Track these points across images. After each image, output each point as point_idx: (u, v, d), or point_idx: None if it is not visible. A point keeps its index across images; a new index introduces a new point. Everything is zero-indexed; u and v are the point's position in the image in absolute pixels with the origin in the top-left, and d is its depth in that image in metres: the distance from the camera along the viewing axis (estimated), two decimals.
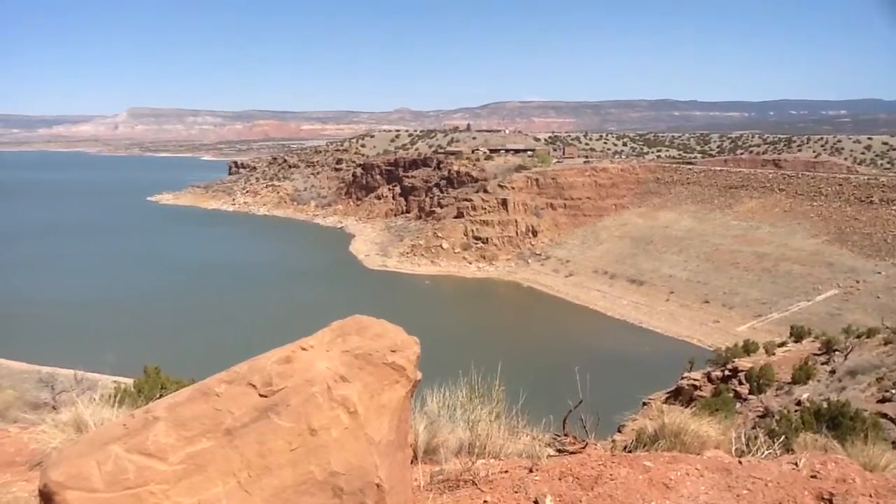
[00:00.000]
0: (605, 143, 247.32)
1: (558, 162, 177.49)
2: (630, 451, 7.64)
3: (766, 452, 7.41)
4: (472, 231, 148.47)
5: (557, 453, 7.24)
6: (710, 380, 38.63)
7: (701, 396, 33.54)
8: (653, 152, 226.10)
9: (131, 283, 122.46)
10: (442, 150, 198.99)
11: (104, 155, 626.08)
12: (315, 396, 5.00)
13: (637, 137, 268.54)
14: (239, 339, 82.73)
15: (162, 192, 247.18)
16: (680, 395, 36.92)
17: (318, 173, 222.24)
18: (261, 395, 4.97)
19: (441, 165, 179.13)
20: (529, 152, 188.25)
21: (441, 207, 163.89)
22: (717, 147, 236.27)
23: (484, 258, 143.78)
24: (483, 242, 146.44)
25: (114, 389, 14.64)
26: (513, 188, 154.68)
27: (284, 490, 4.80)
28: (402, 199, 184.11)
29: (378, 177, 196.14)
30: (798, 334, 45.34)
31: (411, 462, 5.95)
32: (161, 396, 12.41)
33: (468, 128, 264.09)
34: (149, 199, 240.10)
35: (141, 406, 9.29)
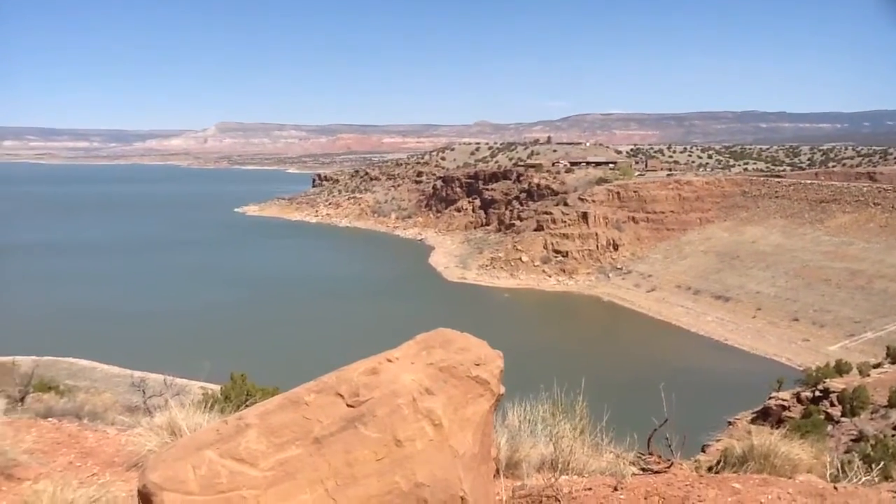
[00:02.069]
0: (690, 155, 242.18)
1: (640, 175, 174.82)
2: (716, 472, 7.44)
3: (864, 479, 7.10)
4: (552, 244, 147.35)
5: (642, 472, 7.11)
6: (799, 400, 37.28)
7: (790, 417, 32.40)
8: (739, 165, 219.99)
9: (217, 292, 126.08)
10: (522, 163, 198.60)
11: (194, 168, 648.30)
12: (401, 408, 5.05)
13: (723, 150, 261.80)
14: (321, 349, 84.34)
15: (249, 203, 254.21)
16: (768, 416, 35.76)
17: (398, 186, 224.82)
18: (348, 406, 5.06)
19: (521, 178, 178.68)
20: (611, 165, 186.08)
21: (521, 220, 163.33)
22: (808, 160, 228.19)
23: (564, 272, 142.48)
24: (563, 256, 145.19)
25: (203, 395, 15.11)
26: (593, 201, 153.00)
27: (370, 500, 4.87)
28: (481, 211, 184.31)
29: (458, 189, 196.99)
30: (895, 355, 43.35)
31: (493, 476, 5.94)
32: (247, 403, 12.77)
33: (548, 140, 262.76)
34: (236, 210, 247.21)
35: (228, 411, 9.59)
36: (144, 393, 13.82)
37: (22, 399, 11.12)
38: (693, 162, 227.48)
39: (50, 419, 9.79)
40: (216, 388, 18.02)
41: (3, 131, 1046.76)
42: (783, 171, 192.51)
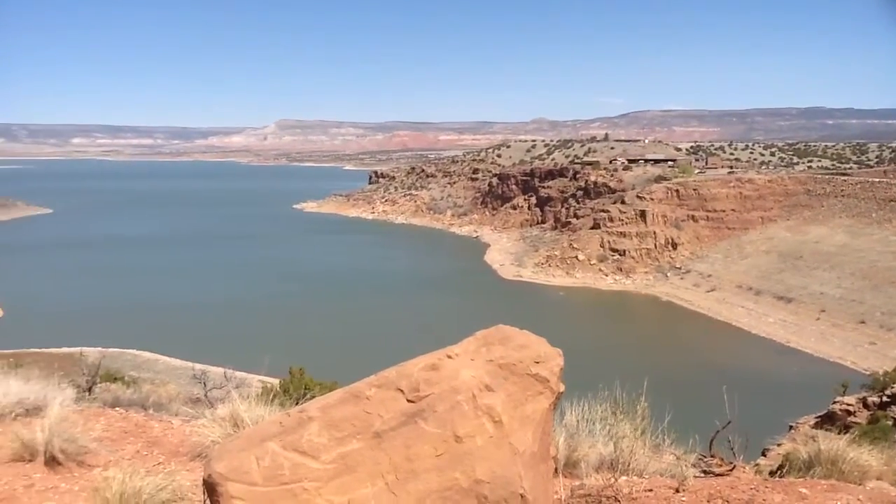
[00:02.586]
0: (752, 153, 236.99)
1: (700, 172, 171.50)
2: (780, 477, 7.28)
3: None
4: (609, 243, 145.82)
5: (704, 475, 7.00)
6: (865, 405, 36.05)
7: (855, 423, 31.40)
8: (803, 163, 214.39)
9: (276, 286, 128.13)
10: (578, 161, 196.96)
11: (254, 164, 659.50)
12: (460, 404, 5.06)
13: (786, 147, 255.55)
14: (378, 343, 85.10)
15: (307, 200, 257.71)
16: (832, 421, 34.69)
17: (454, 183, 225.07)
18: (408, 401, 5.09)
19: (577, 176, 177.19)
20: (670, 163, 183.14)
21: (577, 218, 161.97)
22: (876, 157, 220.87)
23: (621, 270, 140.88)
24: (620, 254, 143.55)
25: (262, 388, 15.37)
26: (652, 199, 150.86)
27: (430, 495, 4.89)
28: (537, 209, 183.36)
29: (514, 187, 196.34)
30: None
31: (553, 475, 5.90)
32: (305, 396, 12.95)
33: (606, 138, 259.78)
34: (295, 206, 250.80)
35: (287, 404, 9.75)
36: (205, 385, 14.12)
37: (89, 389, 11.46)
38: (755, 159, 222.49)
39: (117, 409, 10.07)
40: (274, 381, 18.32)
41: (72, 129, 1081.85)
42: (849, 168, 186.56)
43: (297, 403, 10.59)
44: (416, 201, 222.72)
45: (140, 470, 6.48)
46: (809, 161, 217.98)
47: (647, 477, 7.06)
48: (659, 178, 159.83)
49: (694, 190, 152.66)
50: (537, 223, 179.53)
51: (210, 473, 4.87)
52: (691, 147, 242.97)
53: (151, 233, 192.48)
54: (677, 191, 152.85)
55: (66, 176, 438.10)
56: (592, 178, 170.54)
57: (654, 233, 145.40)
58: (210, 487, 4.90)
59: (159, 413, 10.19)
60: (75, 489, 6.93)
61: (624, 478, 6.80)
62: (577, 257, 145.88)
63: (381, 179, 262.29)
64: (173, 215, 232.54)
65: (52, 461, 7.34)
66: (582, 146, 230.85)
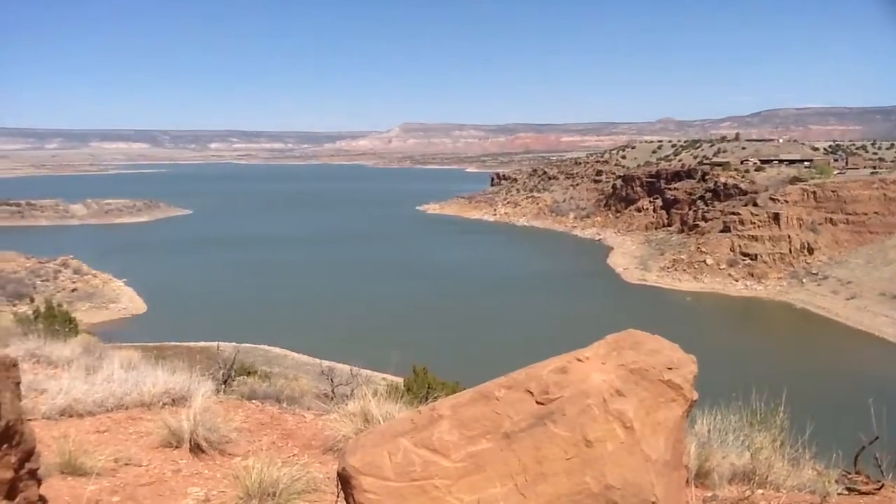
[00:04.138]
0: None
1: (840, 173, 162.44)
2: None
3: None
4: (740, 246, 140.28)
5: (848, 492, 6.64)
6: None
7: None
8: None
9: (397, 286, 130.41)
10: (707, 161, 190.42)
11: (379, 167, 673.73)
12: (591, 408, 5.01)
13: None
14: (501, 344, 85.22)
15: (430, 201, 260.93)
16: None
17: (577, 185, 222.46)
18: (538, 403, 5.08)
19: (706, 177, 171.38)
20: (806, 163, 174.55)
21: (705, 221, 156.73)
22: None
23: (752, 276, 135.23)
24: (751, 259, 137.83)
25: (387, 386, 15.69)
26: (786, 201, 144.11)
27: (559, 498, 4.87)
28: (663, 211, 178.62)
29: (638, 188, 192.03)
30: None
31: (684, 484, 5.76)
32: (428, 395, 13.12)
33: (737, 137, 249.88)
34: (418, 208, 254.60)
35: (416, 403, 9.93)
36: (332, 381, 14.55)
37: (225, 381, 12.05)
38: None
39: (254, 401, 10.55)
40: (397, 379, 18.69)
41: (211, 134, 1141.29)
42: None
43: (420, 402, 10.81)
44: (538, 203, 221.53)
45: (277, 460, 6.79)
46: None
47: (784, 492, 6.77)
48: (794, 180, 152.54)
49: (832, 191, 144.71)
50: (663, 226, 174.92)
51: (344, 467, 5.04)
52: (829, 146, 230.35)
53: (282, 232, 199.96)
54: (814, 192, 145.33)
55: (204, 178, 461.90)
56: (722, 180, 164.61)
57: (789, 236, 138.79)
58: (344, 480, 5.06)
59: (292, 407, 10.60)
60: (217, 476, 7.31)
61: (760, 491, 6.55)
62: (705, 261, 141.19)
63: (502, 182, 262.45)
64: (302, 215, 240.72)
65: (196, 448, 7.78)
66: (711, 146, 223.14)
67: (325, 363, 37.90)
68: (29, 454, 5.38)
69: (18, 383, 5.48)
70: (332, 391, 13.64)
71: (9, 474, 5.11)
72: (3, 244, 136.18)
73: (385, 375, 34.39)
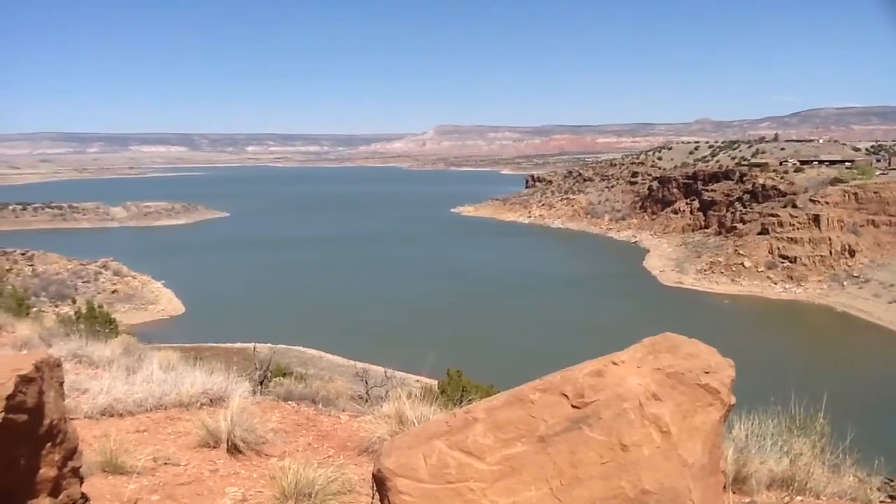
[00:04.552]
0: None
1: (882, 174, 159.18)
2: None
3: None
4: (778, 249, 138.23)
5: (890, 500, 6.52)
6: None
7: None
8: None
9: (431, 288, 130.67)
10: (745, 162, 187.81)
11: (413, 169, 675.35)
12: (627, 412, 4.97)
13: None
14: (535, 345, 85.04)
15: (464, 203, 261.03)
16: None
17: (612, 186, 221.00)
18: (573, 406, 5.06)
19: (744, 178, 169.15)
20: (847, 164, 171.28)
21: (743, 223, 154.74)
22: None
23: (791, 279, 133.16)
24: (790, 261, 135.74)
25: (421, 388, 15.72)
26: (826, 203, 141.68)
27: (594, 502, 4.83)
28: (700, 213, 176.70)
29: (675, 190, 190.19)
30: None
31: (722, 490, 5.69)
32: (462, 398, 13.12)
33: (775, 138, 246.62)
34: (452, 210, 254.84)
35: (445, 404, 9.95)
36: (367, 383, 14.61)
37: (261, 382, 12.16)
38: None
39: (289, 402, 10.65)
40: (431, 381, 18.71)
41: (247, 137, 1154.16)
42: None
43: (455, 404, 10.83)
44: (573, 205, 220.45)
45: (312, 461, 6.85)
46: None
47: (824, 498, 6.68)
48: (835, 181, 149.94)
49: (875, 193, 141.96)
50: (700, 228, 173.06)
51: (380, 468, 5.07)
52: (871, 147, 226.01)
53: (317, 233, 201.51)
54: (855, 194, 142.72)
55: (241, 181, 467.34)
56: (761, 181, 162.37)
57: (829, 239, 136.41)
58: (379, 482, 5.09)
59: (328, 408, 10.68)
60: (254, 476, 7.40)
61: (799, 498, 6.46)
62: (742, 264, 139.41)
63: (537, 184, 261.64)
64: (337, 217, 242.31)
65: (233, 449, 7.88)
66: (749, 147, 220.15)
67: (360, 365, 38.13)
68: (72, 452, 5.50)
69: (62, 383, 5.60)
70: (367, 393, 13.71)
71: (53, 472, 5.23)
72: (46, 246, 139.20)
73: (419, 377, 34.43)
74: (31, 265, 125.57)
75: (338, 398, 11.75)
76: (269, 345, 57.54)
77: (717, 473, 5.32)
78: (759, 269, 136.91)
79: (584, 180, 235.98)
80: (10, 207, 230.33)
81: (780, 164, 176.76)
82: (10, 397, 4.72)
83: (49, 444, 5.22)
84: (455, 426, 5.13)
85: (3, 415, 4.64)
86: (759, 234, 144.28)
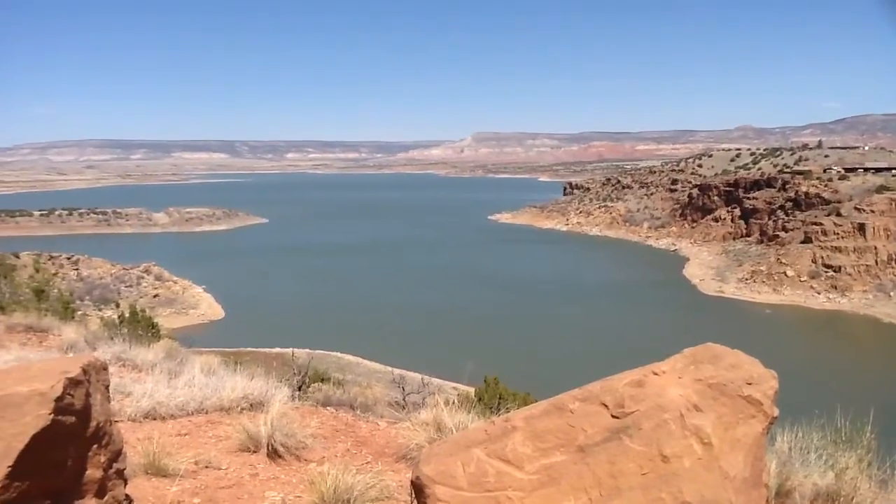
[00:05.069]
0: None
1: None
2: None
3: None
4: (822, 258, 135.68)
5: None
6: None
7: None
8: None
9: (468, 294, 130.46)
10: (788, 170, 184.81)
11: (451, 176, 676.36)
12: (667, 423, 4.93)
13: None
14: (573, 354, 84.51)
15: (501, 210, 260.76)
16: None
17: (651, 194, 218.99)
18: (613, 416, 5.02)
19: (787, 186, 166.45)
20: (894, 171, 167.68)
21: (786, 231, 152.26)
22: None
23: (835, 288, 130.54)
24: (834, 271, 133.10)
25: (457, 395, 15.70)
26: (872, 211, 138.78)
27: None
28: (741, 221, 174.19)
29: (715, 198, 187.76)
30: None
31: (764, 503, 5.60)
32: (499, 406, 13.08)
33: (819, 145, 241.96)
34: (489, 217, 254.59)
35: (489, 414, 9.93)
36: (403, 389, 14.63)
37: (299, 387, 12.26)
38: None
39: (328, 408, 10.72)
40: (467, 389, 18.69)
41: (287, 144, 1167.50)
42: None
43: (492, 412, 10.81)
44: (611, 213, 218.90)
45: (351, 467, 6.89)
46: None
47: None
48: (881, 189, 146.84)
49: None
50: (741, 236, 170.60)
51: (418, 475, 5.08)
52: None
53: (355, 240, 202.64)
54: None
55: (281, 188, 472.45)
56: (804, 189, 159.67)
57: (875, 248, 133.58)
58: (418, 489, 5.11)
59: (366, 414, 10.73)
60: (293, 481, 7.46)
61: None
62: (785, 273, 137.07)
63: (575, 191, 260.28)
64: (375, 224, 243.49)
65: (273, 453, 7.95)
66: (792, 154, 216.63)
67: (397, 371, 38.15)
68: (117, 454, 5.60)
69: (108, 386, 5.72)
70: (403, 399, 13.74)
71: (99, 473, 5.34)
72: (91, 251, 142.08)
73: (456, 384, 34.42)
74: (77, 269, 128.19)
75: (375, 404, 11.79)
76: (307, 350, 57.92)
77: (759, 487, 5.24)
78: (802, 279, 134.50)
79: (623, 187, 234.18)
80: (57, 213, 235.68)
81: (824, 171, 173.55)
82: (58, 399, 4.83)
83: (95, 446, 5.33)
84: (494, 434, 5.13)
85: (51, 416, 4.75)
86: (802, 242, 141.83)
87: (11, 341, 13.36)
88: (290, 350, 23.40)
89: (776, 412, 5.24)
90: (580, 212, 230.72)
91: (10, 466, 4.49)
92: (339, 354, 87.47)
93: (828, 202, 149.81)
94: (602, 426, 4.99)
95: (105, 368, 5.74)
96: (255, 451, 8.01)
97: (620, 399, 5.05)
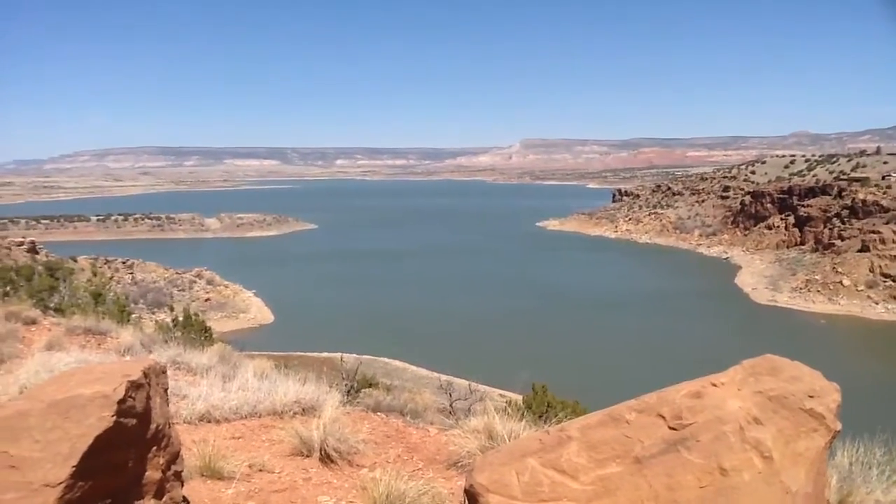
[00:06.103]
0: None
1: None
2: None
3: None
4: (880, 267, 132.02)
5: None
6: None
7: None
8: None
9: (515, 301, 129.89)
10: (844, 177, 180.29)
11: (499, 183, 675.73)
12: (726, 435, 4.84)
13: None
14: (624, 365, 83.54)
15: (549, 217, 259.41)
16: None
17: (702, 201, 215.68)
18: (670, 428, 4.95)
19: (843, 193, 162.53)
20: None
21: (842, 240, 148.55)
22: None
23: (894, 298, 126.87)
24: (893, 280, 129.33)
25: (505, 402, 15.63)
26: None
27: None
28: (795, 229, 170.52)
29: (769, 205, 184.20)
30: None
31: None
32: (548, 414, 12.98)
33: (877, 151, 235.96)
34: (537, 224, 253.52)
35: (534, 421, 9.87)
36: (451, 396, 14.63)
37: (348, 392, 12.32)
38: None
39: (378, 413, 10.77)
40: (514, 396, 18.61)
41: (336, 151, 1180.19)
42: None
43: (540, 420, 10.73)
44: (661, 220, 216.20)
45: (403, 473, 6.90)
46: None
47: None
48: None
49: None
50: (795, 244, 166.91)
51: (472, 484, 5.07)
52: None
53: (402, 246, 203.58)
54: None
55: (330, 194, 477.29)
56: (861, 196, 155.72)
57: None
58: (471, 497, 5.10)
59: (416, 420, 10.74)
60: (345, 486, 7.51)
61: None
62: (841, 282, 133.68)
63: (624, 198, 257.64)
64: (422, 230, 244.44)
65: (325, 458, 8.01)
66: (848, 161, 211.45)
67: (444, 377, 38.24)
68: (175, 457, 5.70)
69: (167, 389, 5.83)
70: (451, 406, 13.73)
71: (158, 475, 5.44)
72: (145, 255, 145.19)
73: (502, 391, 34.32)
74: (131, 273, 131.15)
75: (425, 411, 11.81)
76: (355, 355, 58.25)
77: (821, 502, 5.13)
78: (859, 288, 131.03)
79: (673, 194, 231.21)
80: (113, 218, 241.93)
81: (882, 178, 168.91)
82: (121, 402, 4.94)
83: (155, 448, 5.44)
84: (548, 444, 5.10)
85: (114, 418, 4.86)
86: (859, 251, 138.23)
87: (71, 344, 13.69)
88: (338, 354, 23.58)
89: (839, 426, 5.12)
90: (629, 219, 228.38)
91: (74, 466, 4.60)
92: (385, 360, 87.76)
93: (886, 210, 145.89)
94: (659, 437, 4.93)
95: (164, 372, 5.86)
96: (307, 456, 8.08)
97: (678, 410, 4.98)
